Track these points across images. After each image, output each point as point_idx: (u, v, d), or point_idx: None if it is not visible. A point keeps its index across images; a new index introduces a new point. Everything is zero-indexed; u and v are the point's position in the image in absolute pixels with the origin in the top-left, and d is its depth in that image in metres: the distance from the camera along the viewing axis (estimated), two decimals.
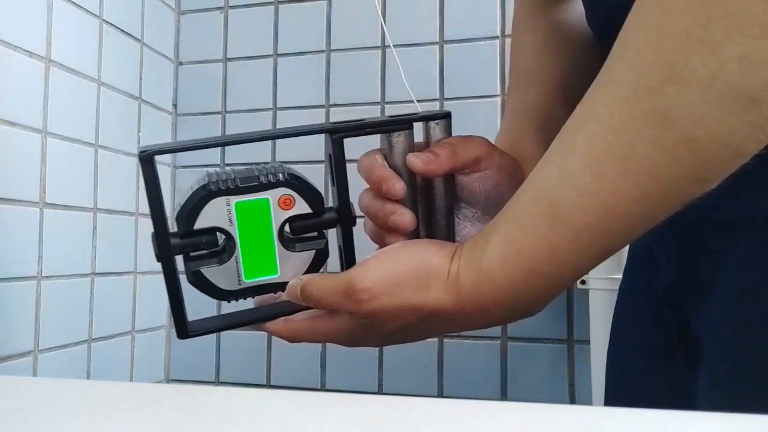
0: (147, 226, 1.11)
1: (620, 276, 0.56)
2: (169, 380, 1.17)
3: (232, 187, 0.39)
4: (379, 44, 1.11)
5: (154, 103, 1.14)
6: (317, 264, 0.44)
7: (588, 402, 0.93)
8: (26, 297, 0.84)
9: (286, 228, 0.42)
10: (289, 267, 0.42)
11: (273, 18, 1.17)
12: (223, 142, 0.41)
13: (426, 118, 0.45)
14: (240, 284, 0.41)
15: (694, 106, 0.28)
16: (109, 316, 1.00)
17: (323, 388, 1.10)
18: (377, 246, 0.45)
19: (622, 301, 0.55)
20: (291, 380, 1.11)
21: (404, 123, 0.43)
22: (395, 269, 0.37)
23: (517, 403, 0.27)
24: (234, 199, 0.39)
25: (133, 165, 1.08)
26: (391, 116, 0.43)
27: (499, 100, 1.04)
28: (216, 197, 0.39)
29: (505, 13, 1.05)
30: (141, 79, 1.10)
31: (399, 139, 0.42)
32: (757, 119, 0.28)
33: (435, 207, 0.45)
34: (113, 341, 1.02)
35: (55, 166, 0.89)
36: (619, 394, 0.53)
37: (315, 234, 0.43)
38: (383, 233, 0.43)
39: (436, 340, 1.04)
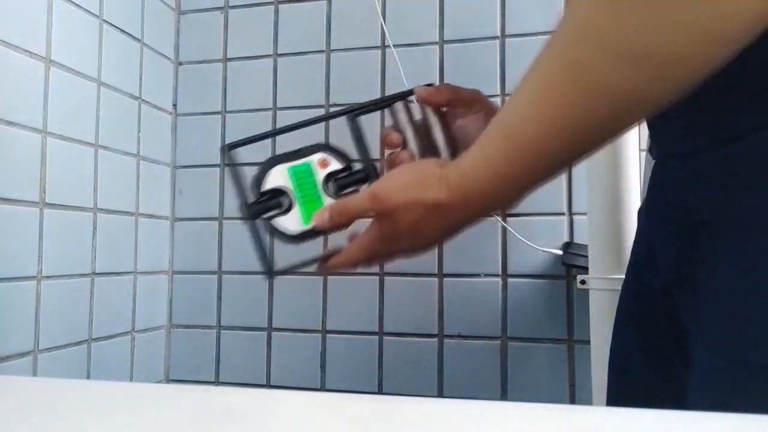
0: (147, 226, 1.12)
1: (620, 276, 0.56)
2: (169, 380, 1.17)
3: (284, 156, 0.57)
4: (379, 44, 1.11)
5: (154, 103, 1.14)
6: None
7: (588, 402, 0.93)
8: (26, 297, 0.84)
9: (329, 183, 0.57)
10: None
11: (273, 18, 1.17)
12: (279, 131, 0.60)
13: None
14: (302, 228, 0.56)
15: (601, 60, 0.35)
16: (109, 316, 1.01)
17: (323, 388, 1.10)
18: None
19: (623, 300, 0.55)
20: (291, 380, 1.11)
21: (401, 96, 0.59)
22: (403, 177, 0.50)
23: (517, 403, 0.27)
24: (287, 165, 0.57)
25: (133, 165, 1.08)
26: (391, 95, 0.60)
27: (499, 100, 1.04)
28: (275, 165, 0.57)
29: (505, 13, 1.05)
30: (141, 79, 1.10)
31: (399, 108, 0.59)
32: (656, 73, 0.34)
33: (438, 152, 0.58)
34: (113, 341, 1.02)
35: (55, 166, 0.89)
36: (620, 394, 0.53)
37: (352, 189, 0.58)
38: None
39: (436, 339, 1.04)
